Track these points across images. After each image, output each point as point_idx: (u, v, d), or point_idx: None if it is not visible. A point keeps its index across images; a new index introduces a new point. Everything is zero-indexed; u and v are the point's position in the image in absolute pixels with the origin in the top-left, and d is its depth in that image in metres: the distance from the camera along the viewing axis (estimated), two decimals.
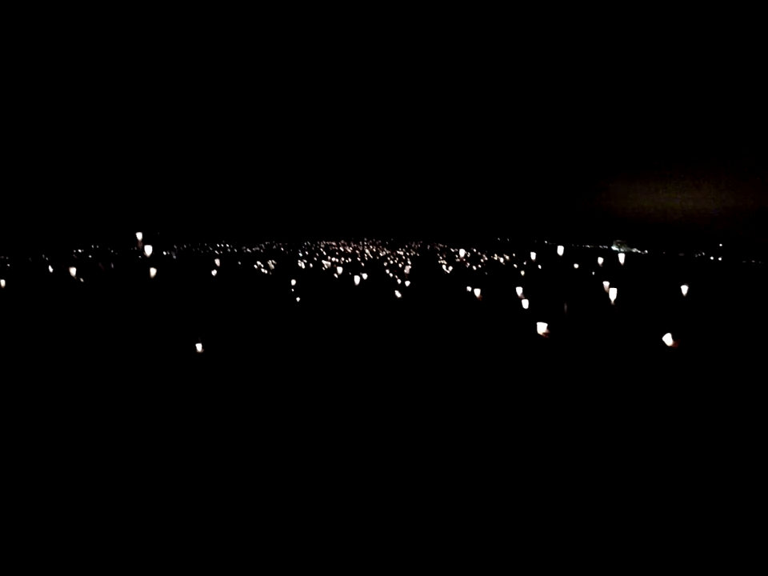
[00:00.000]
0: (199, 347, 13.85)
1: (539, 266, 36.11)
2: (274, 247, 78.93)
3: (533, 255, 36.23)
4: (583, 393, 10.53)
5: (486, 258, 54.70)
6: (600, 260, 27.88)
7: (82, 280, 22.34)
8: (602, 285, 20.31)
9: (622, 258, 25.59)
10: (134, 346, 14.32)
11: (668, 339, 12.01)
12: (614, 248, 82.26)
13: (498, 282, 23.26)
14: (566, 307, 17.52)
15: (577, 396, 10.31)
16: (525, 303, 17.79)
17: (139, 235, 33.45)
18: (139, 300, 21.07)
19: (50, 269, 32.53)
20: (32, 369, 12.36)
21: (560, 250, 28.38)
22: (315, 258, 55.00)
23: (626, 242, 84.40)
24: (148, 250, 28.59)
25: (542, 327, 13.82)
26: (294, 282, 27.40)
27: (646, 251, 79.45)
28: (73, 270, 27.32)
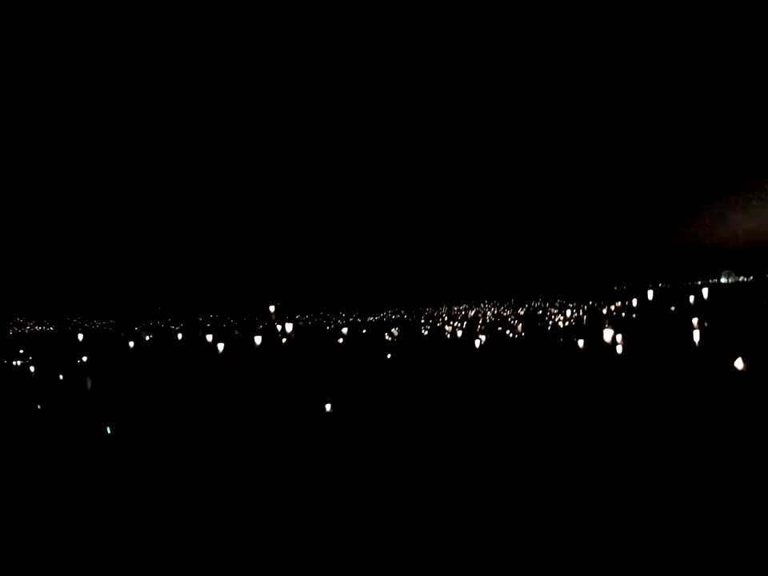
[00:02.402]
0: (328, 407, 15.72)
1: (633, 313, 37.54)
2: (396, 316, 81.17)
3: (634, 302, 37.65)
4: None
5: (597, 309, 56.15)
6: (691, 298, 29.10)
7: (220, 347, 25.18)
8: (690, 321, 21.75)
9: (705, 292, 26.44)
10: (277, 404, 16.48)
11: (739, 363, 12.96)
12: (723, 279, 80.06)
13: (597, 331, 24.86)
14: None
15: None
16: (618, 349, 20.16)
17: (272, 308, 36.59)
18: (283, 364, 23.53)
19: (180, 335, 35.97)
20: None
21: (650, 294, 29.55)
22: (438, 324, 56.64)
23: (734, 271, 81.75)
24: (288, 327, 31.45)
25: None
26: (415, 347, 29.34)
27: (752, 278, 76.60)
28: (209, 337, 30.38)
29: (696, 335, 19.94)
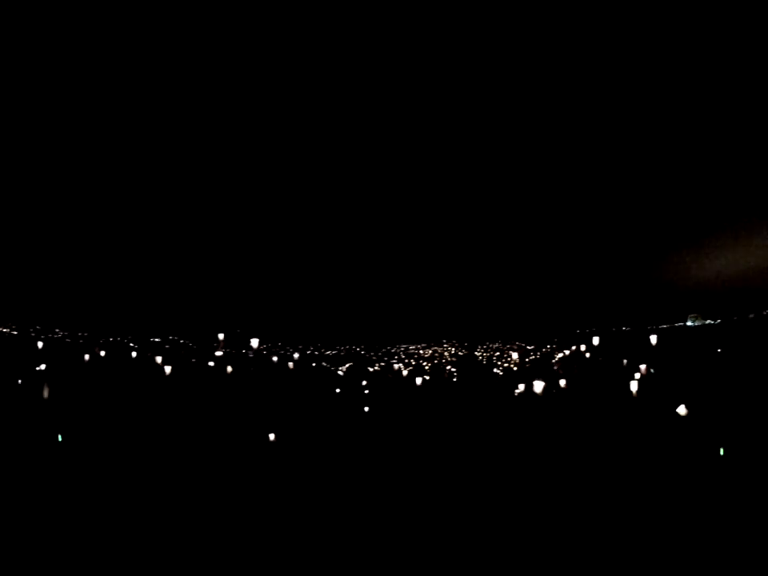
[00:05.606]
0: (272, 437, 15.48)
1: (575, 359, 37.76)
2: (352, 351, 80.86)
3: (582, 347, 37.81)
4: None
5: (551, 354, 56.26)
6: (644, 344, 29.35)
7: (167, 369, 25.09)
8: (638, 368, 22.01)
9: (654, 339, 27.11)
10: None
11: (681, 410, 13.10)
12: (689, 323, 79.71)
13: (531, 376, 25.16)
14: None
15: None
16: (539, 387, 20.49)
17: (221, 336, 36.14)
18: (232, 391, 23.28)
19: (134, 354, 35.66)
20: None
21: (595, 340, 30.02)
22: (386, 362, 56.80)
23: (700, 315, 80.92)
24: (218, 353, 31.34)
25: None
26: (364, 383, 29.30)
27: (719, 320, 76.24)
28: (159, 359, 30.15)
29: (634, 385, 19.87)
